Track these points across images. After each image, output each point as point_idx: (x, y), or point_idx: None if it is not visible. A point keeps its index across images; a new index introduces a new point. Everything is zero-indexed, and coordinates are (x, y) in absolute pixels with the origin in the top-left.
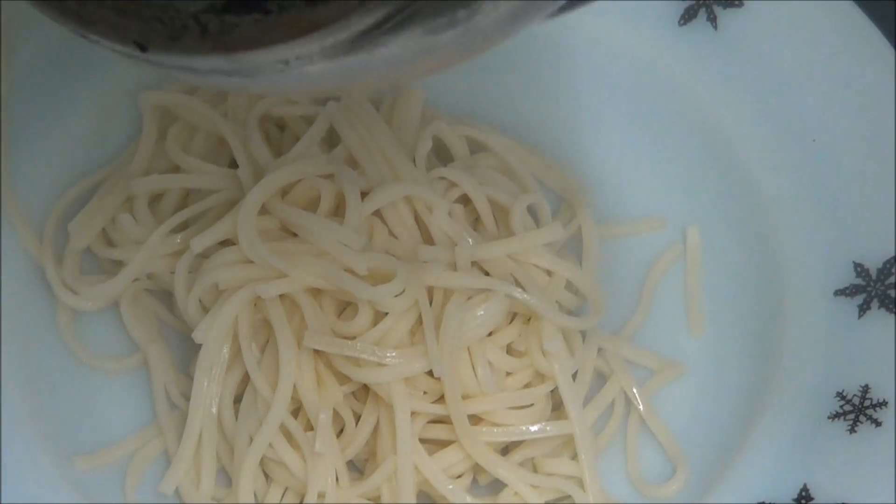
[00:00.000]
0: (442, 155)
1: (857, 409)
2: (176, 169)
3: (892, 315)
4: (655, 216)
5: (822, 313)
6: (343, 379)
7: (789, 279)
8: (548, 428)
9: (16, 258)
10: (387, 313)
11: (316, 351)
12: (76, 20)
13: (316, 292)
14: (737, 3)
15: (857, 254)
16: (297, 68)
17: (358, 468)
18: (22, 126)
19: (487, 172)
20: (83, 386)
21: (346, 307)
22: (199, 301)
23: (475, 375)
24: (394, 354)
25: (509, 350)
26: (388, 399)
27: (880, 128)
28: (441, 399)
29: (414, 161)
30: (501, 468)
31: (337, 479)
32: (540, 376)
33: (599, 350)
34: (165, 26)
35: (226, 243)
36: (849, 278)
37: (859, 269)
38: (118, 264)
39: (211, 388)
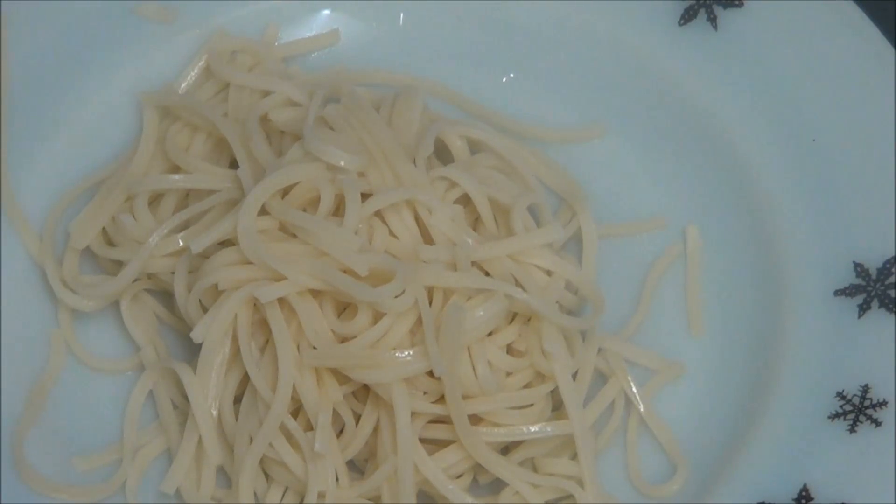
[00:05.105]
0: (442, 155)
1: (857, 409)
2: (176, 169)
3: (892, 315)
4: (655, 216)
5: (822, 313)
6: (343, 379)
7: (789, 279)
8: (548, 428)
9: (16, 258)
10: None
11: None
12: None
13: (316, 292)
14: (737, 3)
15: (857, 254)
16: None
17: (358, 468)
18: (22, 126)
19: (487, 172)
20: (83, 386)
21: (346, 306)
22: (199, 301)
23: (475, 375)
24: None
25: (509, 350)
26: (389, 399)
27: (880, 128)
28: (441, 399)
29: (414, 162)
30: (502, 468)
31: (337, 479)
32: (540, 376)
33: (599, 350)
34: None
35: (226, 243)
36: (849, 278)
37: (859, 269)
38: (118, 264)
39: (211, 389)
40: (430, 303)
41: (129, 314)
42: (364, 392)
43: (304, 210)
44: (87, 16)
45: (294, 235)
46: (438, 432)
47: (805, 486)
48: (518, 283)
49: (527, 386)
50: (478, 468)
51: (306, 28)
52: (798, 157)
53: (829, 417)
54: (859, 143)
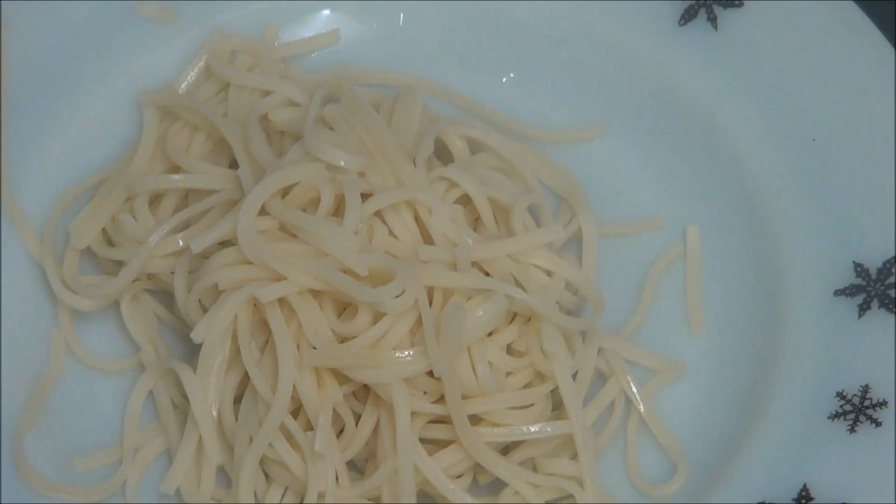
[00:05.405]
0: (442, 155)
1: (857, 409)
2: (176, 169)
3: (892, 315)
4: (655, 216)
5: (822, 313)
6: (343, 379)
7: (789, 279)
8: (548, 428)
9: (16, 258)
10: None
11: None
12: None
13: (316, 292)
14: (737, 3)
15: (857, 254)
16: None
17: (358, 468)
18: (22, 126)
19: (487, 172)
20: (83, 386)
21: (346, 306)
22: (199, 301)
23: (475, 375)
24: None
25: (509, 350)
26: (389, 399)
27: (880, 128)
28: (441, 399)
29: (414, 162)
30: (502, 468)
31: (337, 479)
32: (540, 376)
33: (599, 350)
34: None
35: (226, 243)
36: (849, 278)
37: (859, 269)
38: (118, 264)
39: (211, 389)
40: (430, 303)
41: (129, 314)
42: (364, 392)
43: (304, 210)
44: (87, 16)
45: (294, 235)
46: (438, 432)
47: (805, 486)
48: (518, 283)
49: (527, 386)
50: (478, 468)
51: (306, 28)
52: (798, 157)
53: (829, 417)
54: (859, 143)
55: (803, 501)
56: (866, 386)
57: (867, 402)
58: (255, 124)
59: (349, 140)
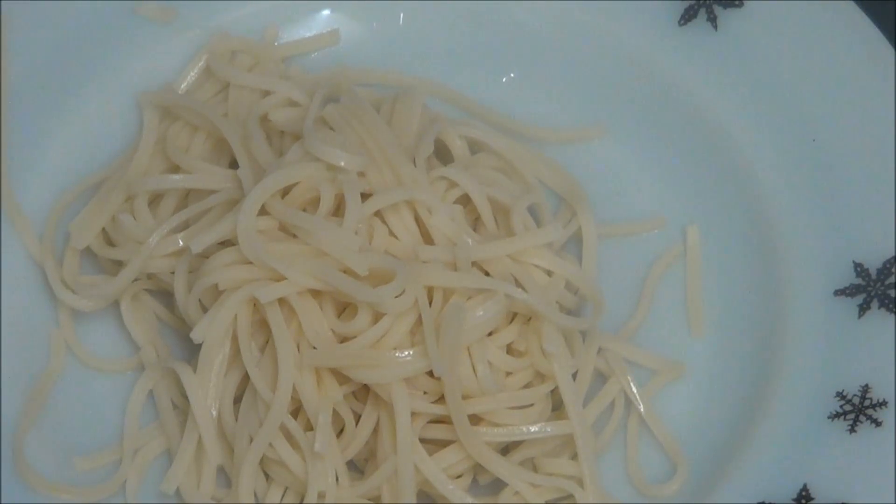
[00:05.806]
0: (442, 155)
1: (857, 409)
2: (176, 169)
3: (892, 315)
4: (655, 216)
5: (822, 313)
6: (343, 379)
7: (789, 279)
8: (548, 428)
9: (16, 258)
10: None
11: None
12: None
13: (316, 292)
14: (737, 3)
15: (857, 254)
16: None
17: (358, 468)
18: (22, 126)
19: (487, 172)
20: (83, 386)
21: (346, 307)
22: (199, 301)
23: (475, 375)
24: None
25: (509, 350)
26: (389, 399)
27: (880, 128)
28: (441, 399)
29: (414, 162)
30: (502, 468)
31: (337, 479)
32: (540, 376)
33: (599, 350)
34: None
35: (226, 243)
36: (849, 278)
37: (859, 269)
38: (118, 264)
39: (211, 389)
40: (430, 303)
41: (129, 314)
42: (364, 392)
43: (304, 210)
44: (87, 16)
45: (294, 235)
46: (438, 432)
47: (805, 486)
48: (518, 283)
49: (527, 386)
50: (478, 468)
51: (306, 28)
52: (798, 157)
53: (829, 417)
54: (859, 143)
55: (803, 501)
56: (866, 386)
57: (867, 402)
58: (255, 124)
59: (349, 140)
